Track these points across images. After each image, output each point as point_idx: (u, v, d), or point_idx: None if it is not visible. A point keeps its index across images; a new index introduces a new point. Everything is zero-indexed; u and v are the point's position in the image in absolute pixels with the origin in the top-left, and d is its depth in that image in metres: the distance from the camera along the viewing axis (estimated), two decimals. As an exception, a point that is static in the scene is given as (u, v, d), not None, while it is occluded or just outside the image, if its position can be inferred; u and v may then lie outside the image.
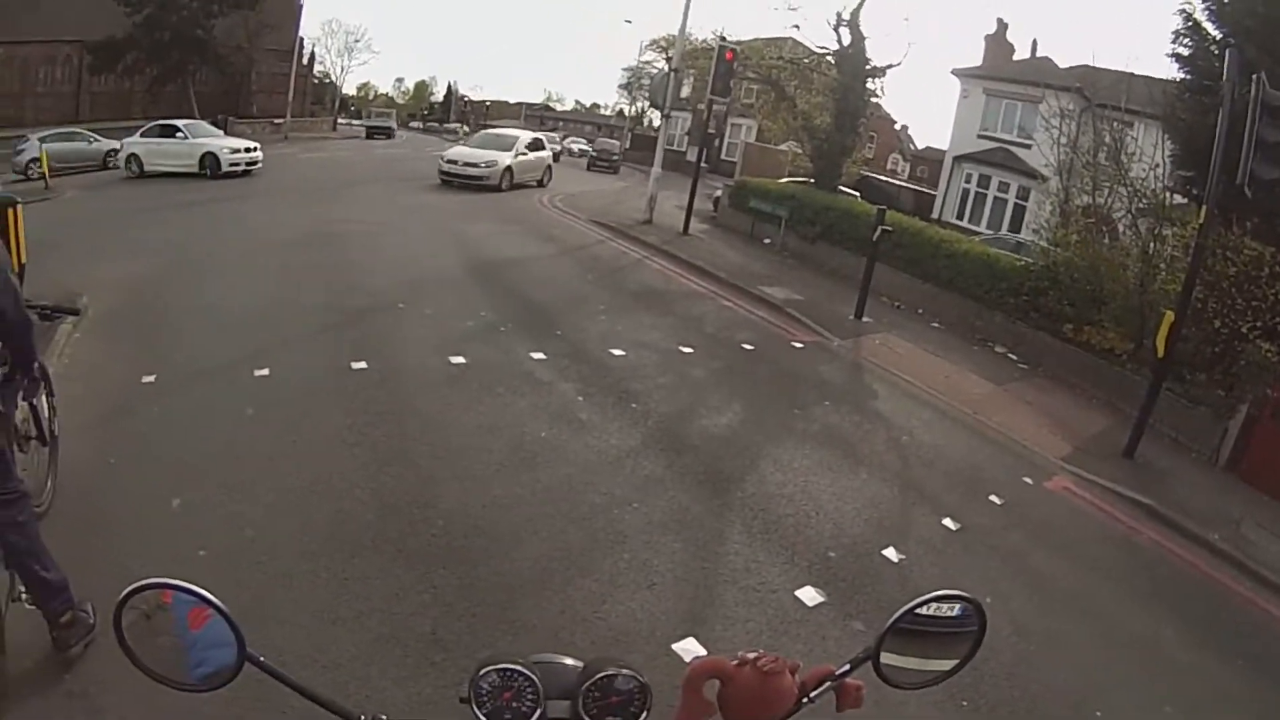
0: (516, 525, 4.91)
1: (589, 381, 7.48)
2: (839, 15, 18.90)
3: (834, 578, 4.73)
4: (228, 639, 1.29)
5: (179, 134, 25.49)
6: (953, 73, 28.93)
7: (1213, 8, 11.49)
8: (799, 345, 9.80)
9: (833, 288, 13.01)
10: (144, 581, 1.26)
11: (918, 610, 1.31)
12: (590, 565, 4.57)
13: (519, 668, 1.27)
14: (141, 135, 25.77)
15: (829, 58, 19.99)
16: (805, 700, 1.26)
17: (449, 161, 24.65)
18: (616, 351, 8.37)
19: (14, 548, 3.53)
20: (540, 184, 25.85)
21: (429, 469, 5.54)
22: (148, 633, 1.29)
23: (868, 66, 19.26)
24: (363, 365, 7.43)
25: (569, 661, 1.35)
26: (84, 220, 14.82)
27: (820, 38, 19.55)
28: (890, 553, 5.15)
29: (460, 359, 7.71)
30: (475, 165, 24.11)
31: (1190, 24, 11.67)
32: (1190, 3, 11.65)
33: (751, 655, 1.26)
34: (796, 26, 21.00)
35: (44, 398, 4.67)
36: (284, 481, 5.30)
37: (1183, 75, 12.03)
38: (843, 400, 8.18)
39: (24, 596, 3.60)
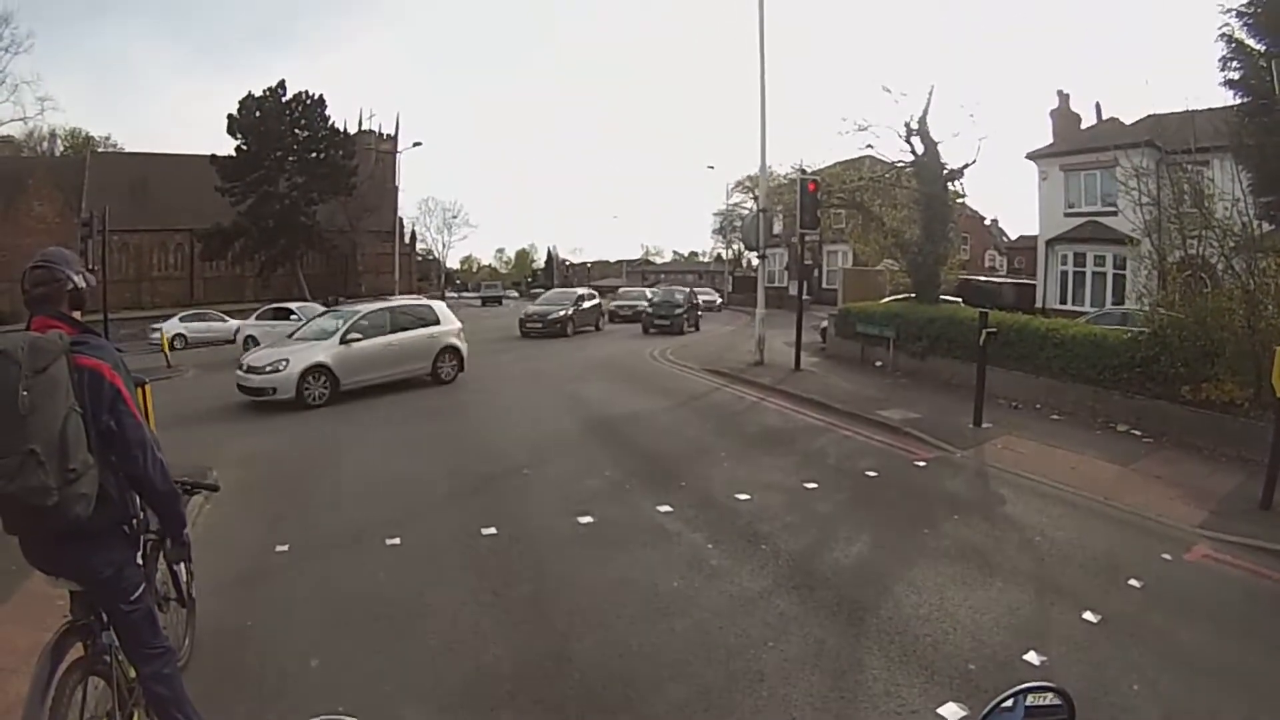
0: (654, 672, 4.96)
1: (716, 528, 7.57)
2: (908, 126, 18.95)
3: (975, 690, 4.68)
4: None
5: (292, 316, 27.28)
6: (1028, 157, 28.95)
7: (1250, 22, 11.52)
8: (922, 464, 9.79)
9: (948, 400, 13.01)
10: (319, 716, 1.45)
11: (1008, 702, 1.53)
12: (730, 705, 4.57)
13: None
14: (257, 318, 28.16)
15: (907, 170, 20.01)
16: None
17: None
18: (742, 496, 8.48)
19: (159, 698, 3.77)
20: (597, 328, 32.48)
21: (564, 625, 5.67)
22: None
23: (945, 170, 19.20)
24: (492, 530, 7.68)
25: None
26: (207, 397, 16.01)
27: (894, 152, 19.38)
28: (1031, 656, 5.09)
29: (588, 518, 7.93)
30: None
31: (1234, 44, 11.75)
32: (1229, 23, 11.71)
33: None
34: (870, 146, 20.89)
35: (183, 564, 4.96)
36: (420, 641, 5.51)
37: (1240, 99, 11.96)
38: (971, 511, 8.14)
39: None
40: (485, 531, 7.67)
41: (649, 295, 37.72)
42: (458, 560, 7.10)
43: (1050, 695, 1.58)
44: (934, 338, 15.85)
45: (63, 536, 3.42)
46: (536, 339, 29.03)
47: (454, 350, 18.07)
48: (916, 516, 7.92)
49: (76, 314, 3.68)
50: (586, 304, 32.87)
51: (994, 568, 6.60)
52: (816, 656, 5.10)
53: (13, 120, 61.49)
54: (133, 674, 3.83)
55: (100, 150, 70.31)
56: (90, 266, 3.21)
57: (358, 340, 16.11)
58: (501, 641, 5.43)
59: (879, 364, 17.41)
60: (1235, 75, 12.11)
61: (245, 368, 15.76)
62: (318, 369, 15.43)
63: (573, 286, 48.53)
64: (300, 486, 9.76)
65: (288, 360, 15.39)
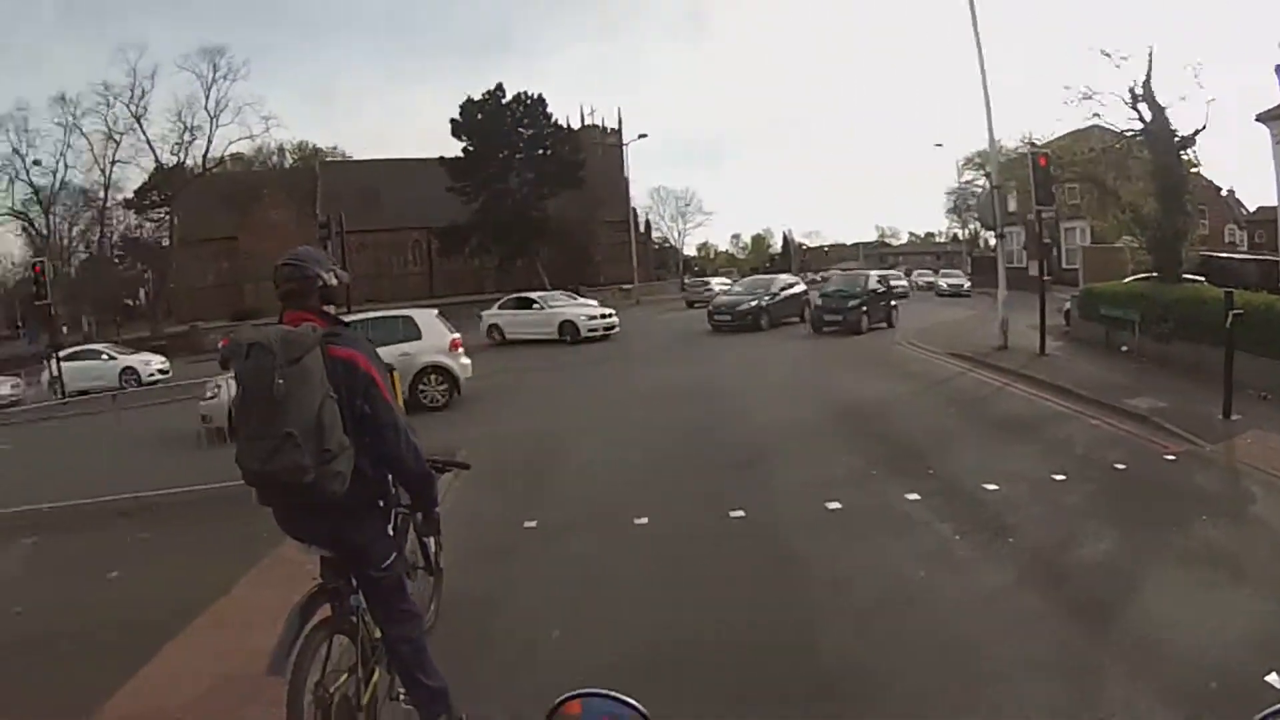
0: (893, 663, 4.96)
1: (963, 519, 7.66)
2: (1132, 91, 17.95)
3: (1209, 710, 4.38)
4: None
5: (535, 305, 28.83)
6: (1258, 119, 26.07)
7: None
8: (1171, 458, 9.51)
9: (1194, 388, 12.52)
10: (579, 691, 1.59)
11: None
12: (966, 703, 4.55)
13: None
14: (499, 307, 29.65)
15: (1136, 139, 18.94)
16: None
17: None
18: (989, 486, 8.56)
19: (402, 658, 4.08)
20: (801, 318, 29.54)
21: (805, 611, 5.80)
22: None
23: (1176, 138, 17.98)
24: (740, 513, 7.97)
25: None
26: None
27: (1121, 120, 18.06)
28: (1273, 678, 4.57)
29: (835, 504, 8.16)
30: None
31: None
32: None
33: None
34: (1096, 115, 19.70)
35: (432, 537, 5.22)
36: (665, 619, 5.70)
37: None
38: (1221, 511, 7.80)
39: (402, 697, 4.17)
40: (734, 514, 7.99)
41: (832, 277, 37.39)
42: (705, 541, 7.40)
43: None
44: (1178, 320, 15.12)
45: (318, 509, 3.73)
46: (727, 334, 27.98)
47: (439, 370, 16.00)
48: (1165, 514, 7.68)
49: (329, 308, 3.94)
50: (786, 293, 30.63)
51: (1243, 575, 6.19)
52: (1057, 659, 4.98)
53: (240, 139, 68.01)
54: (377, 634, 4.14)
55: (328, 160, 76.33)
56: (336, 266, 3.82)
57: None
58: (745, 626, 5.56)
59: (1124, 348, 16.90)
60: None
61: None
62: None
63: (809, 271, 49.44)
64: (550, 466, 10.54)
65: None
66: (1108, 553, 6.89)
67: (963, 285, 47.60)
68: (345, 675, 3.89)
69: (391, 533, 4.16)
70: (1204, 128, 17.98)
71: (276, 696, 3.60)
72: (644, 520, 8.01)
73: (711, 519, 8.00)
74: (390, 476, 4.05)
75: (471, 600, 6.05)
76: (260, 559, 7.28)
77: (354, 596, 4.04)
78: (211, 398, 11.88)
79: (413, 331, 16.03)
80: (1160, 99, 17.99)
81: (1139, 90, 18.00)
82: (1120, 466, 9.36)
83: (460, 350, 16.69)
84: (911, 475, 9.18)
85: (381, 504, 4.04)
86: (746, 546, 7.33)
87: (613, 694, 1.57)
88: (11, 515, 10.35)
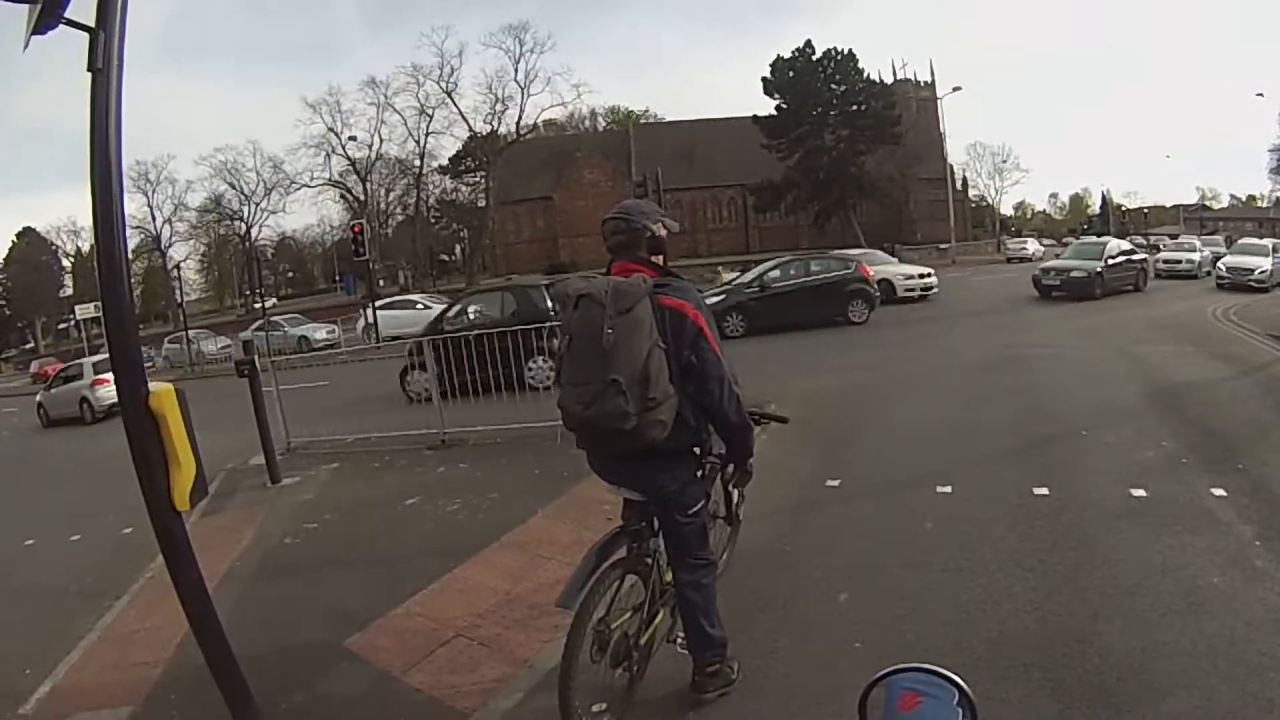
0: (1170, 675, 4.66)
1: (1268, 524, 6.98)
2: None
3: None
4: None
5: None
6: None
7: None
8: None
9: None
10: (895, 666, 1.57)
11: None
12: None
13: None
14: None
15: None
16: None
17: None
18: None
19: (690, 603, 4.12)
20: (1136, 288, 28.52)
21: (1095, 604, 5.52)
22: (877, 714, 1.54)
23: None
24: (1044, 491, 7.65)
25: None
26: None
27: None
28: None
29: (1140, 491, 7.74)
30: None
31: None
32: None
33: None
34: None
35: (737, 488, 5.27)
36: (952, 594, 5.59)
37: None
38: None
39: (679, 641, 4.27)
40: (1037, 491, 7.77)
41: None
42: (1005, 518, 7.19)
43: None
44: None
45: (634, 454, 3.81)
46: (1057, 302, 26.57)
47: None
48: None
49: (658, 259, 3.98)
50: (1121, 259, 28.39)
51: None
52: None
53: (552, 106, 72.30)
54: (668, 578, 4.22)
55: (642, 121, 78.60)
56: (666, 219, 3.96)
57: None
58: (1031, 610, 5.40)
59: None
60: None
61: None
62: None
63: (1129, 234, 44.85)
64: (861, 427, 10.61)
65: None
66: None
67: (1261, 269, 28.86)
68: (629, 613, 4.02)
69: (701, 480, 4.22)
70: None
71: (555, 624, 3.94)
72: (947, 489, 7.95)
73: (1014, 494, 7.77)
74: (708, 425, 4.05)
75: (762, 553, 6.15)
76: (559, 496, 7.81)
77: (653, 539, 4.15)
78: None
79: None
80: None
81: None
82: None
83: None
84: (1221, 468, 8.49)
85: (696, 451, 4.12)
86: (1044, 528, 7.04)
87: (930, 668, 1.59)
88: (316, 444, 11.80)
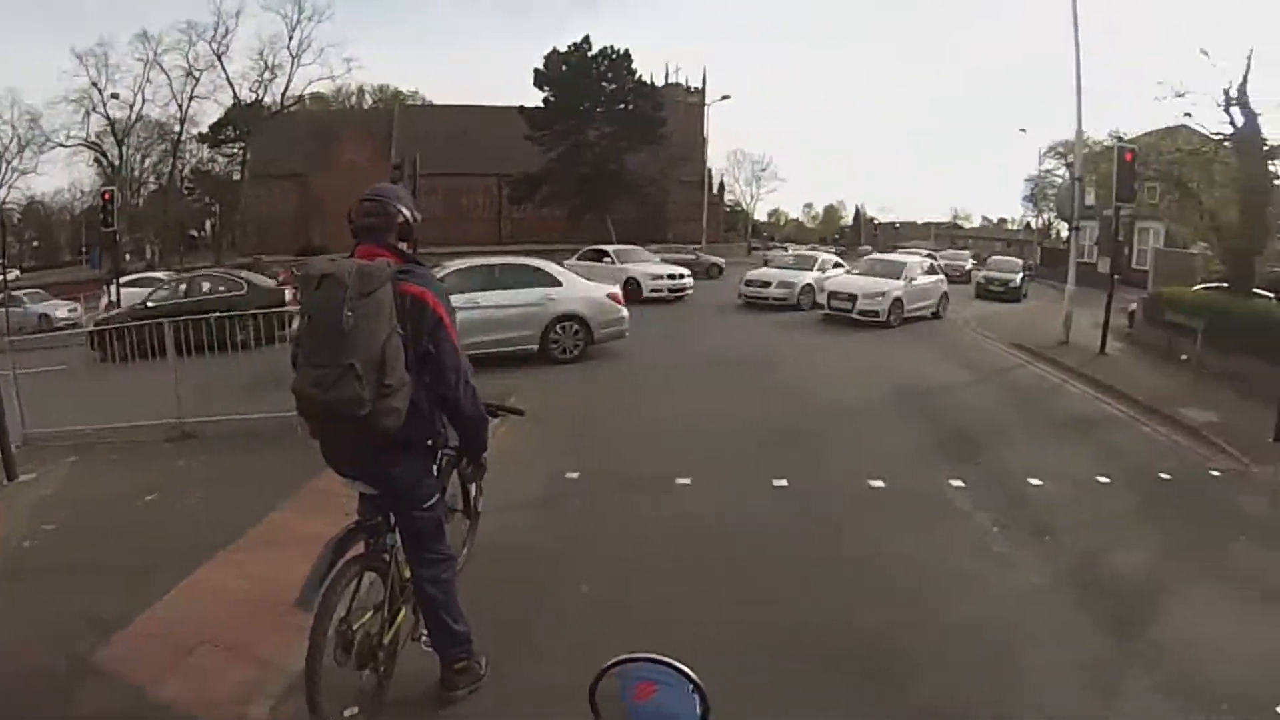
0: (921, 652, 5.02)
1: (1005, 513, 7.73)
2: (1226, 94, 17.46)
3: None
4: (687, 709, 1.53)
5: (606, 259, 27.43)
6: None
7: None
8: (1217, 473, 9.51)
9: (1251, 406, 12.18)
10: (624, 656, 1.61)
11: None
12: (987, 698, 4.61)
13: None
14: (578, 258, 27.80)
15: (1225, 143, 18.41)
16: None
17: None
18: (1034, 481, 8.66)
19: (430, 599, 4.07)
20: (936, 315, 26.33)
21: (843, 589, 5.87)
22: (611, 704, 1.57)
23: (1265, 147, 17.58)
24: (783, 483, 8.11)
25: None
26: None
27: (1212, 122, 17.70)
28: None
29: (879, 483, 8.31)
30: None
31: None
32: None
33: None
34: (1188, 114, 19.36)
35: (475, 480, 5.30)
36: (696, 583, 5.78)
37: None
38: (1260, 534, 7.72)
39: (424, 638, 4.20)
40: (776, 483, 8.10)
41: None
42: (745, 508, 7.49)
43: None
44: (1244, 335, 14.79)
45: (367, 444, 3.73)
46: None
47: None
48: (1204, 531, 7.73)
49: (404, 245, 3.90)
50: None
51: (1274, 602, 6.12)
52: (1083, 667, 5.03)
53: (321, 79, 70.24)
54: (407, 574, 4.15)
55: (409, 104, 76.79)
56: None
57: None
58: (776, 597, 5.68)
59: (1184, 357, 16.56)
60: None
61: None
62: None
63: (881, 249, 47.04)
64: (601, 421, 10.70)
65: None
66: (1143, 564, 6.94)
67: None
68: (370, 613, 3.94)
69: (436, 473, 4.16)
70: (1298, 138, 17.44)
71: (299, 624, 3.65)
72: (686, 480, 8.15)
73: (754, 486, 8.13)
74: (442, 417, 4.01)
75: (501, 546, 6.05)
76: (298, 489, 7.52)
77: (390, 535, 4.07)
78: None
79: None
80: (1255, 105, 17.57)
81: (1234, 93, 17.57)
82: (1165, 476, 9.36)
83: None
84: (959, 462, 9.31)
85: (430, 444, 4.01)
86: (785, 516, 7.48)
87: (660, 658, 1.61)
88: (54, 435, 10.72)
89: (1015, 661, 5.04)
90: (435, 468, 4.15)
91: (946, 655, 5.06)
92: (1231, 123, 17.82)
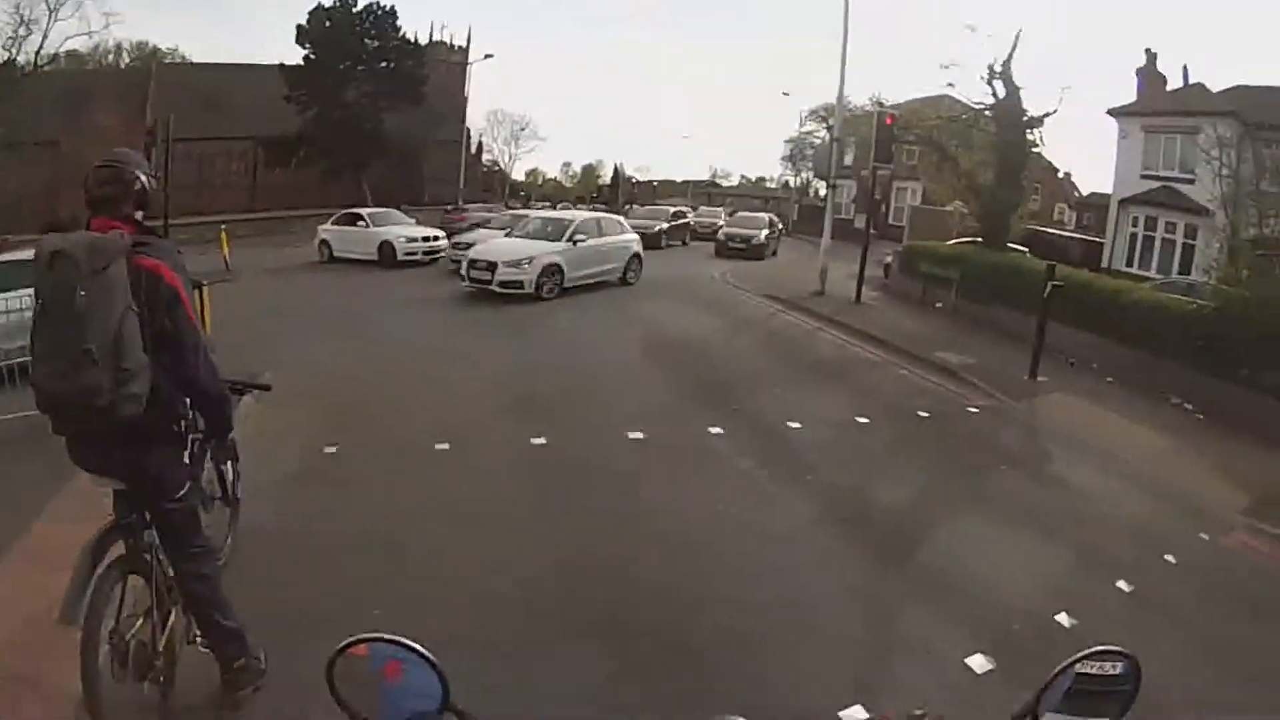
0: (697, 594, 4.98)
1: (766, 455, 7.63)
2: (991, 68, 18.57)
3: (1004, 645, 4.62)
4: (430, 689, 1.45)
5: (360, 222, 25.98)
6: (1109, 113, 27.58)
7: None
8: (974, 410, 9.76)
9: (1006, 349, 12.74)
10: (359, 636, 1.48)
11: (1077, 667, 1.40)
12: (767, 633, 4.58)
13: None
14: (333, 223, 26.66)
15: (986, 113, 19.67)
16: None
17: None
18: (793, 424, 8.51)
19: (196, 596, 3.83)
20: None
21: (611, 540, 5.72)
22: (353, 684, 1.47)
23: (1025, 117, 18.90)
24: (542, 441, 7.74)
25: None
26: (263, 303, 15.83)
27: (976, 93, 19.03)
28: (1063, 618, 4.97)
29: (639, 434, 7.98)
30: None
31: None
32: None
33: (918, 712, 1.41)
34: (951, 85, 20.44)
35: (229, 463, 5.04)
36: (463, 546, 5.56)
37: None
38: (1018, 464, 8.15)
39: (199, 640, 3.92)
40: (535, 441, 7.72)
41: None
42: (506, 469, 7.18)
43: (1117, 663, 1.40)
44: (998, 285, 15.51)
45: (112, 436, 3.48)
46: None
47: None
48: (964, 463, 7.96)
49: (140, 215, 3.62)
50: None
51: (1035, 524, 6.54)
52: (854, 593, 5.15)
53: (77, 34, 62.31)
54: (172, 573, 3.89)
55: (167, 62, 71.34)
56: (154, 173, 3.26)
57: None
58: (546, 551, 5.47)
59: (939, 305, 17.18)
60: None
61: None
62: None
63: (638, 204, 47.46)
64: (355, 391, 9.84)
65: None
66: (907, 496, 7.04)
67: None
68: (141, 619, 3.63)
69: (188, 460, 3.86)
70: (1054, 111, 19.02)
71: (72, 645, 3.29)
72: (445, 446, 7.65)
73: (513, 445, 7.76)
74: (188, 400, 3.75)
75: (264, 531, 5.57)
76: (55, 493, 6.45)
77: (148, 532, 3.73)
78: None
79: None
80: (1018, 79, 18.72)
81: (998, 68, 18.62)
82: (924, 414, 9.49)
83: None
84: (717, 410, 9.04)
85: (176, 429, 3.73)
86: (546, 472, 7.20)
87: (399, 639, 1.48)
88: None
89: (791, 595, 5.06)
90: (187, 454, 3.85)
91: (720, 595, 5.02)
92: (994, 94, 18.91)
